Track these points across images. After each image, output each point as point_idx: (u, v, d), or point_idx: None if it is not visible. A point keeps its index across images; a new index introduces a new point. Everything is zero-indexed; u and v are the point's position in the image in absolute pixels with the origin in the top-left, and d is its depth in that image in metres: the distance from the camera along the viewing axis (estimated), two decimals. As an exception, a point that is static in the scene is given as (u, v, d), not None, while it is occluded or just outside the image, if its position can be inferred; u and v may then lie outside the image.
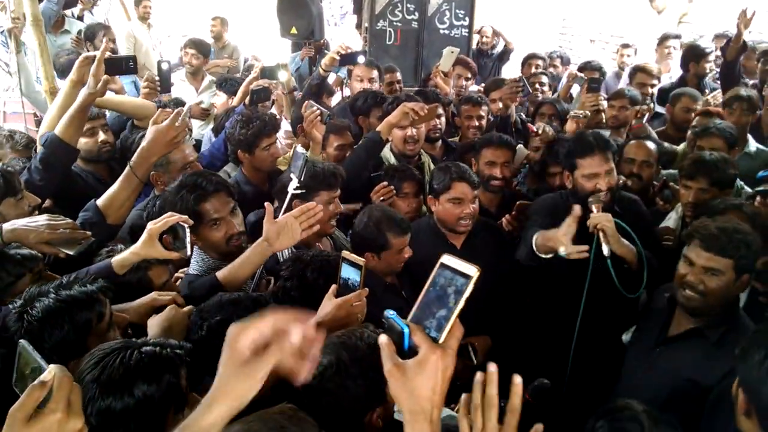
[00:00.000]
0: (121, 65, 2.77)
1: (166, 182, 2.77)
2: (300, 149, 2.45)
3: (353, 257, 1.86)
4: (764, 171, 2.41)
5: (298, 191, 2.43)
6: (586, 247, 2.45)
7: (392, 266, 2.65)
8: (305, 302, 1.96)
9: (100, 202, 2.43)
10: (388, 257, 2.61)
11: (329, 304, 1.87)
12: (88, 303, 1.72)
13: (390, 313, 1.06)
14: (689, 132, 3.88)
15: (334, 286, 1.91)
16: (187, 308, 1.96)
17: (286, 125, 4.22)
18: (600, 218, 2.56)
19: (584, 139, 2.84)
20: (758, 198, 2.80)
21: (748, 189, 3.17)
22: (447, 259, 1.05)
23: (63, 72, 4.74)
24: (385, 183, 3.10)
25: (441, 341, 1.02)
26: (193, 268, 2.35)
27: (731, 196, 2.97)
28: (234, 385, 1.04)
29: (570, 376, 2.69)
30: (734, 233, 2.17)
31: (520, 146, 3.64)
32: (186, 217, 2.11)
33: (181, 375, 1.48)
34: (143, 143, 2.47)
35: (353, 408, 1.63)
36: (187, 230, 2.09)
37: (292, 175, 2.42)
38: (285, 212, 2.32)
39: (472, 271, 1.02)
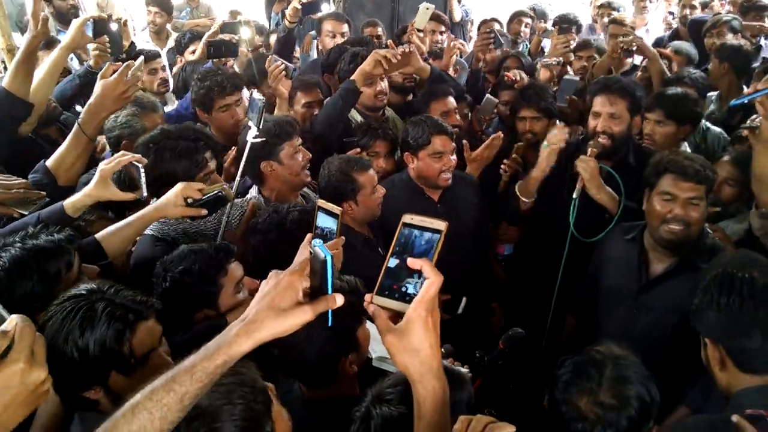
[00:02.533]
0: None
1: None
2: (256, 95, 2.37)
3: (329, 206, 1.82)
4: (736, 100, 2.39)
5: (258, 139, 2.36)
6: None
7: (372, 209, 2.62)
8: (287, 254, 1.91)
9: (49, 162, 2.34)
10: (365, 199, 2.57)
11: (305, 252, 1.82)
12: (56, 252, 1.68)
13: (317, 242, 1.07)
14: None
15: (309, 235, 1.86)
16: None
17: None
18: (581, 162, 2.60)
19: (604, 79, 2.93)
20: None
21: (714, 128, 3.20)
22: (409, 218, 1.10)
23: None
24: (358, 149, 3.00)
25: (420, 297, 1.04)
26: (152, 228, 2.25)
27: (694, 134, 3.10)
28: (271, 325, 1.04)
29: (551, 325, 2.71)
30: (700, 160, 2.24)
31: (488, 95, 3.58)
32: (139, 156, 2.06)
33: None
34: (91, 99, 2.36)
35: (324, 357, 1.62)
36: (142, 170, 2.03)
37: (250, 123, 2.34)
38: (246, 162, 2.26)
39: (441, 225, 1.06)
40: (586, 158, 2.61)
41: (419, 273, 1.05)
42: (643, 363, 2.16)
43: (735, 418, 1.41)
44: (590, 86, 3.03)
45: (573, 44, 4.03)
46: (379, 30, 4.61)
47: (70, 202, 2.02)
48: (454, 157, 2.87)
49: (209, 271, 1.83)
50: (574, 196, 2.59)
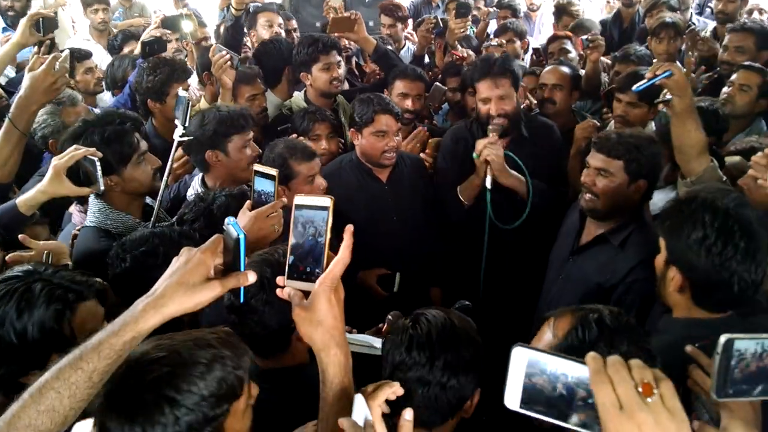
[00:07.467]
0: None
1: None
2: (181, 92, 2.37)
3: (265, 169, 1.84)
4: (638, 85, 2.31)
5: (184, 138, 2.34)
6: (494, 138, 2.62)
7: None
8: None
9: None
10: (298, 188, 2.48)
11: (244, 217, 1.83)
12: None
13: (230, 220, 1.13)
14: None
15: (248, 201, 1.88)
16: None
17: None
18: (489, 149, 2.61)
19: (480, 62, 2.89)
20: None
21: None
22: (300, 199, 1.16)
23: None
24: (295, 135, 2.97)
25: (324, 272, 1.12)
26: (90, 220, 2.21)
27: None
28: (180, 301, 1.07)
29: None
30: (628, 137, 2.27)
31: (437, 84, 3.65)
32: (93, 150, 2.03)
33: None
34: (20, 92, 2.35)
35: (280, 325, 1.63)
36: (98, 163, 2.01)
37: (176, 122, 2.33)
38: (172, 161, 2.26)
39: (326, 201, 1.12)
40: (491, 144, 2.62)
41: (316, 253, 1.12)
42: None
43: (689, 348, 1.43)
44: (469, 70, 3.04)
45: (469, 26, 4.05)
46: (294, 23, 4.63)
47: (23, 200, 2.01)
48: (399, 137, 2.88)
49: (173, 255, 1.81)
50: (487, 185, 2.63)
